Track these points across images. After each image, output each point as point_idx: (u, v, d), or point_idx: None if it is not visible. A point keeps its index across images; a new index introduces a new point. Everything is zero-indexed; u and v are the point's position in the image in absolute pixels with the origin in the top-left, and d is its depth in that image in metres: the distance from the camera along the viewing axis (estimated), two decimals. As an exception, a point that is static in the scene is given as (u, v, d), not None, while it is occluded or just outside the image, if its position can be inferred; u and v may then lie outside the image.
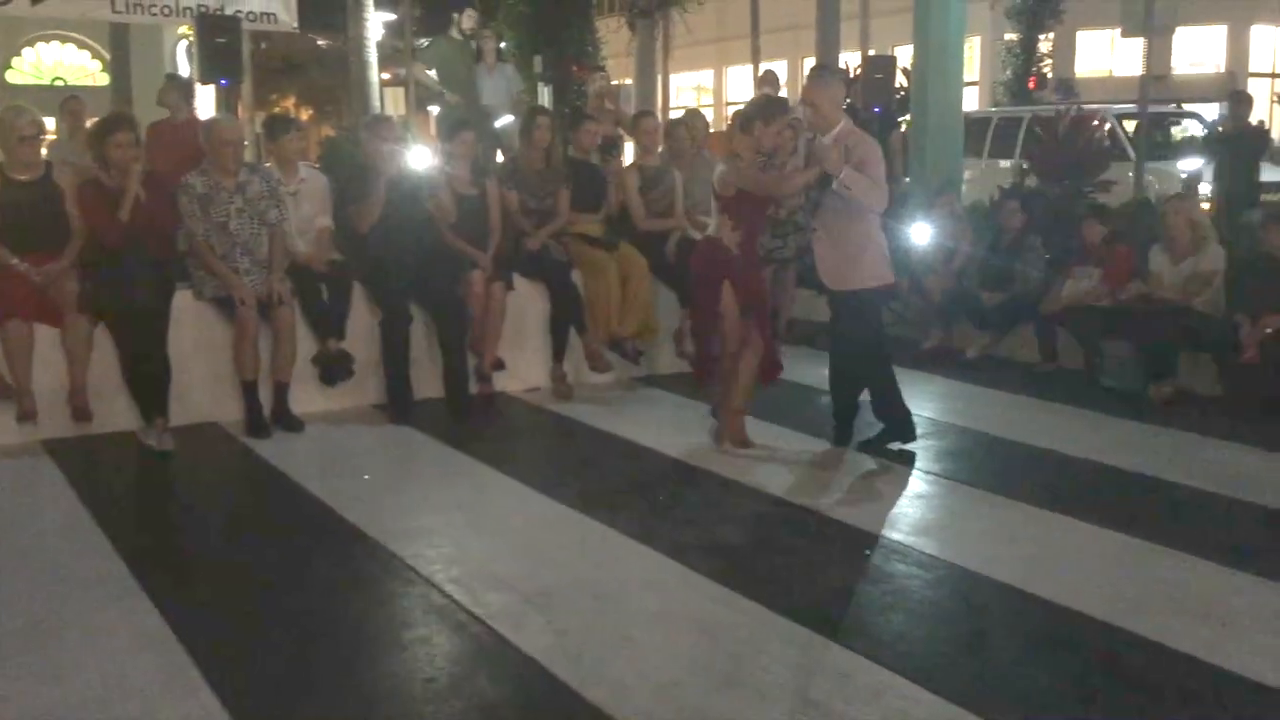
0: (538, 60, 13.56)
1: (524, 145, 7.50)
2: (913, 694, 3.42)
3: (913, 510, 5.16)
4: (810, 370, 7.78)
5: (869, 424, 6.05)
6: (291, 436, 6.21)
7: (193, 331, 6.29)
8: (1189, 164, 12.67)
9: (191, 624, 3.86)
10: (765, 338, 5.89)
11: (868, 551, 4.58)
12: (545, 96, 13.88)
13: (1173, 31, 12.78)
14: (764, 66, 16.54)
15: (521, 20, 14.87)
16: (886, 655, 3.65)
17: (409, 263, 6.68)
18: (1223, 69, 28.38)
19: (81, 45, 24.07)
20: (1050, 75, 14.83)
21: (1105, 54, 28.41)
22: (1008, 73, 13.05)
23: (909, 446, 5.89)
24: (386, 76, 21.15)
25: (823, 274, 5.81)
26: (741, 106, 6.42)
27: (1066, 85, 23.55)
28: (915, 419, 6.62)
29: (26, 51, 23.90)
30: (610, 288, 7.14)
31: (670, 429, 6.40)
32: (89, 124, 8.65)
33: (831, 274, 5.77)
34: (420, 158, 6.80)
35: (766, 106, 5.90)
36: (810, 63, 17.82)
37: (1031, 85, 13.08)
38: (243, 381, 6.26)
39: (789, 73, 28.07)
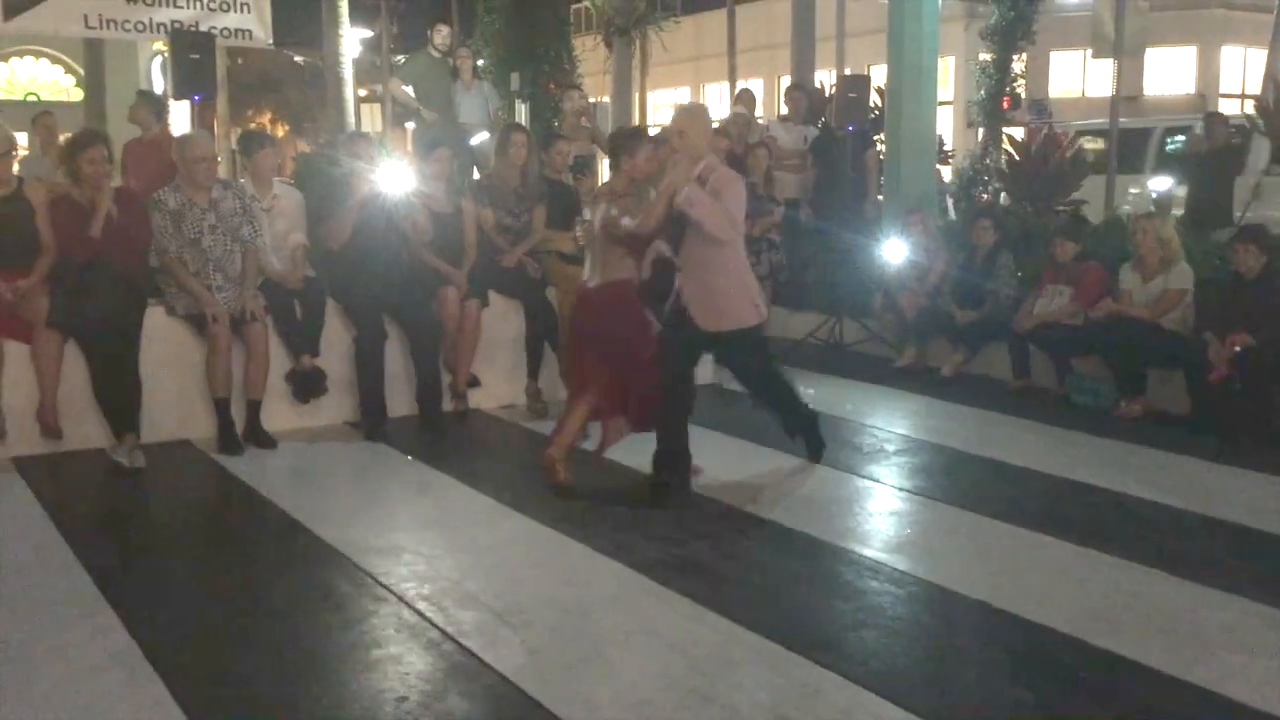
0: (514, 77, 13.56)
1: (500, 162, 7.51)
2: (883, 711, 3.43)
3: (885, 526, 5.18)
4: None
5: (842, 440, 6.05)
6: (264, 454, 6.18)
7: (164, 348, 6.25)
8: (1160, 183, 12.79)
9: (161, 643, 3.83)
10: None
11: (839, 568, 4.59)
12: (522, 114, 13.90)
13: (1143, 53, 12.91)
14: (740, 84, 16.64)
15: (498, 38, 14.87)
16: (858, 672, 3.66)
17: (383, 280, 6.67)
18: (1193, 91, 28.77)
19: (55, 60, 23.95)
20: (1024, 95, 14.93)
21: (1077, 75, 28.75)
22: (981, 93, 13.11)
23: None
24: (363, 93, 21.20)
25: (693, 314, 5.43)
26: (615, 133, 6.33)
27: (1040, 106, 23.82)
28: (888, 435, 6.68)
29: (0, 67, 23.75)
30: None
31: (641, 445, 6.39)
32: (61, 140, 8.60)
33: (699, 313, 5.43)
34: (394, 175, 6.79)
35: (628, 139, 5.69)
36: (786, 81, 17.94)
37: (1005, 105, 13.14)
38: (215, 398, 6.23)
39: (765, 91, 28.26)
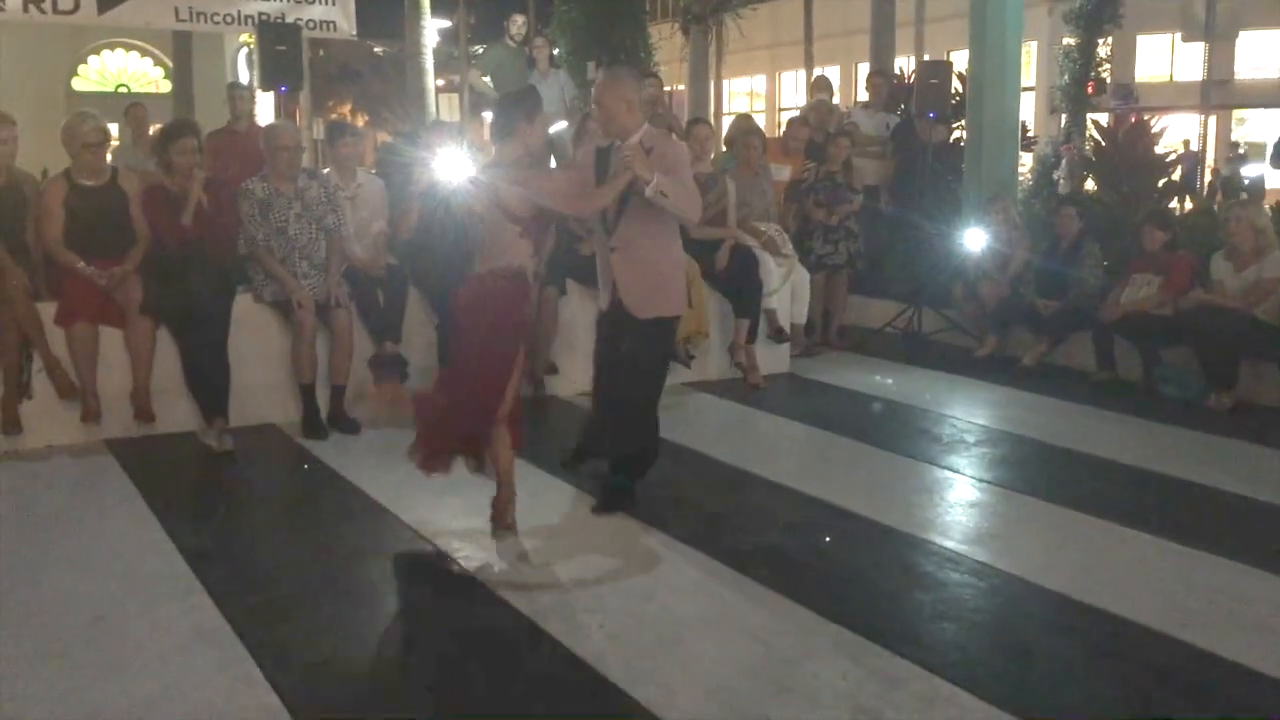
0: (590, 66, 13.61)
1: (578, 149, 7.54)
2: (965, 702, 3.41)
3: (965, 518, 5.12)
4: (858, 377, 7.78)
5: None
6: (347, 438, 6.29)
7: (252, 334, 6.39)
8: (1252, 170, 12.45)
9: (250, 622, 3.93)
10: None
11: (919, 559, 4.56)
12: (598, 102, 13.93)
13: (1235, 36, 12.58)
14: (817, 72, 16.51)
15: (574, 27, 14.93)
16: (938, 663, 3.63)
17: (460, 266, 6.72)
18: (1288, 74, 27.88)
19: (144, 53, 24.54)
20: (1109, 80, 14.62)
21: (1165, 59, 28.04)
22: (1065, 78, 12.86)
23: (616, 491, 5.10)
24: (441, 83, 21.41)
25: (626, 299, 4.91)
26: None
27: (1126, 91, 23.28)
28: (968, 426, 6.59)
29: (92, 59, 24.39)
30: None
31: (721, 434, 6.41)
32: (152, 131, 8.83)
33: (636, 299, 4.91)
34: (463, 163, 6.85)
35: (528, 102, 4.74)
36: (865, 68, 17.75)
37: (1090, 91, 12.88)
38: (300, 383, 6.35)
39: (842, 78, 28.00)
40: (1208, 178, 19.55)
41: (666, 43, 19.28)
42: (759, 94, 35.92)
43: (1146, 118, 12.01)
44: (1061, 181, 10.92)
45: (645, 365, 5.03)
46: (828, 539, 4.82)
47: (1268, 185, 13.59)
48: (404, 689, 3.53)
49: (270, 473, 5.93)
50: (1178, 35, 23.61)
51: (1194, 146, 21.39)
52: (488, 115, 11.62)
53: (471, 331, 4.50)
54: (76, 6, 9.38)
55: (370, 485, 5.44)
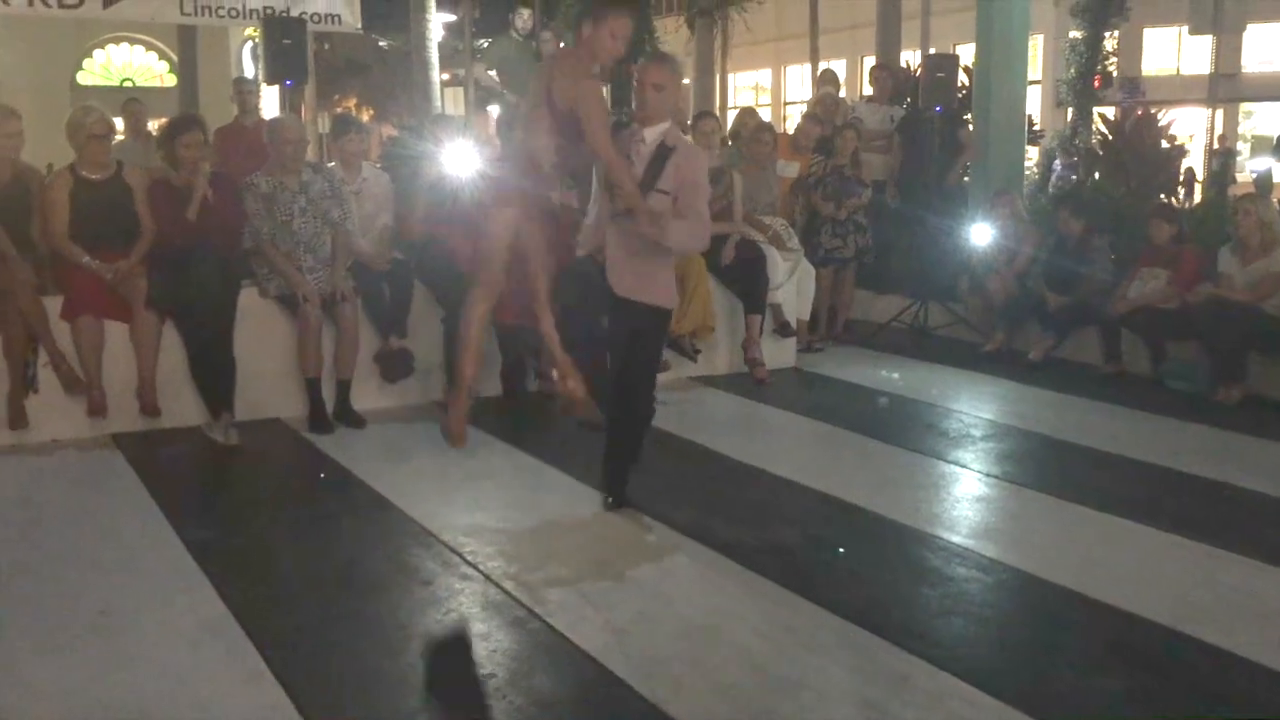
0: (595, 60, 13.59)
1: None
2: (973, 698, 3.39)
3: (972, 513, 5.11)
4: (865, 371, 7.77)
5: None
6: (353, 432, 6.28)
7: (257, 328, 6.38)
8: (1259, 164, 12.41)
9: (256, 616, 3.92)
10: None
11: (926, 554, 4.55)
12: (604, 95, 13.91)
13: (1243, 29, 12.52)
14: (823, 65, 16.47)
15: (579, 20, 14.92)
16: (946, 659, 3.62)
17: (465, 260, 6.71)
18: (1294, 67, 27.79)
19: (149, 47, 24.54)
20: (1115, 74, 14.57)
21: (1172, 52, 27.95)
22: (1071, 71, 12.82)
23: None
24: (446, 77, 21.37)
25: (609, 272, 4.75)
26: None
27: (1132, 84, 23.20)
28: (975, 420, 6.58)
29: (97, 54, 24.40)
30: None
31: (727, 428, 6.40)
32: (151, 126, 8.83)
33: (615, 275, 4.73)
34: (467, 156, 6.83)
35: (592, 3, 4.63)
36: (870, 62, 17.71)
37: (1096, 84, 12.83)
38: (306, 378, 6.35)
39: (848, 72, 27.94)
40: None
41: (672, 36, 19.27)
42: (764, 88, 35.86)
43: (1153, 111, 11.98)
44: (1054, 182, 10.89)
45: (645, 361, 4.91)
46: (832, 533, 4.81)
47: (1276, 179, 13.54)
48: (409, 683, 3.52)
49: (276, 467, 5.93)
50: (1185, 28, 23.55)
51: (1200, 140, 21.38)
52: (493, 109, 11.63)
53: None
54: (82, 0, 9.38)
55: (375, 480, 5.43)
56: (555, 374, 4.93)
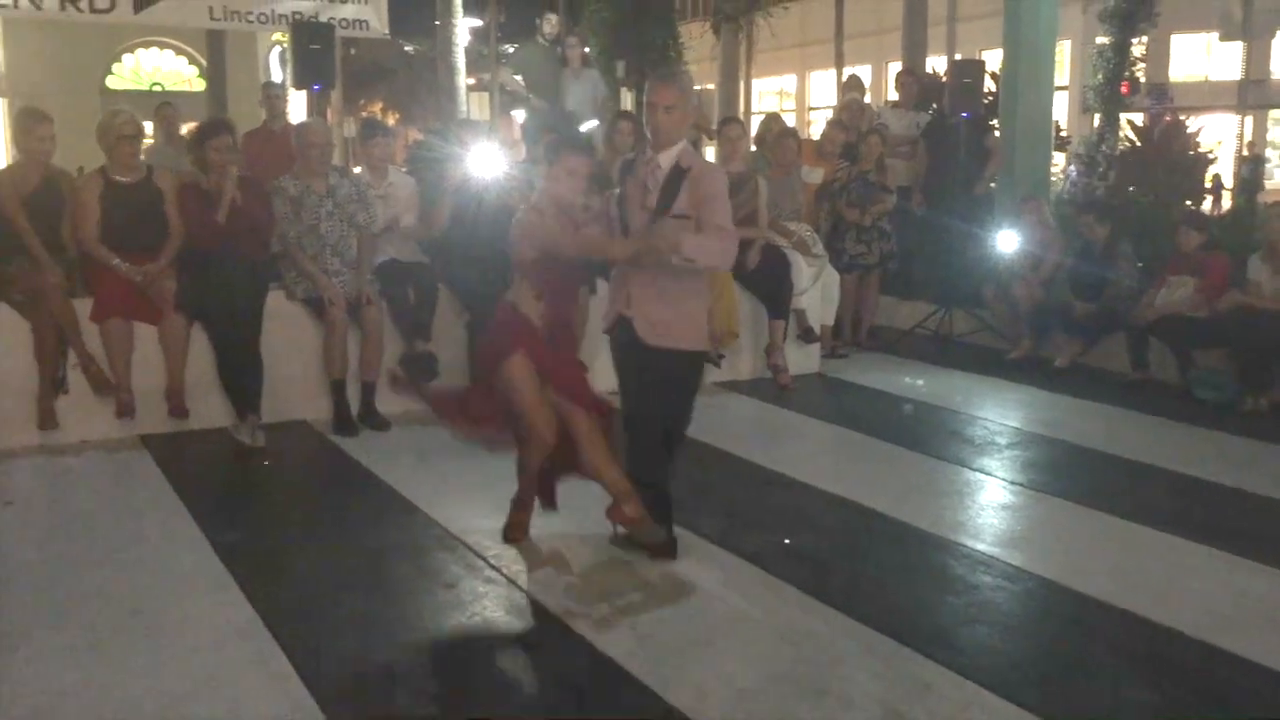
0: (620, 65, 13.62)
1: (607, 150, 7.55)
2: (999, 708, 3.38)
3: (998, 521, 5.09)
4: (889, 378, 7.75)
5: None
6: (377, 435, 6.31)
7: (284, 331, 6.42)
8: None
9: (283, 618, 3.95)
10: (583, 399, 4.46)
11: (950, 562, 4.53)
12: (628, 102, 13.95)
13: (1273, 35, 12.44)
14: (848, 71, 16.45)
15: (604, 26, 14.96)
16: (971, 668, 3.61)
17: (492, 264, 6.74)
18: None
19: (179, 51, 24.71)
20: (1143, 80, 14.51)
21: (1201, 58, 27.74)
22: (1099, 77, 12.76)
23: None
24: (471, 81, 21.48)
25: (635, 321, 4.37)
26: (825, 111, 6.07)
27: (1160, 91, 23.07)
28: (1000, 427, 6.53)
29: (126, 58, 24.59)
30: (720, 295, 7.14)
31: (751, 434, 6.39)
32: (187, 129, 8.90)
33: (643, 324, 4.36)
34: (493, 160, 6.86)
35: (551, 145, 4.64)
36: (895, 67, 17.69)
37: (1124, 90, 12.77)
38: (331, 380, 6.39)
39: (873, 77, 27.88)
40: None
41: (697, 42, 19.30)
42: (788, 93, 35.82)
43: (1182, 118, 11.91)
44: (1067, 188, 10.84)
45: (680, 406, 4.53)
46: (856, 540, 4.79)
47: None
48: (434, 686, 3.54)
49: (302, 469, 5.96)
50: (1214, 34, 23.42)
51: (1229, 147, 21.22)
52: (517, 114, 11.68)
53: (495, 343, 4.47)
54: (112, 5, 9.47)
55: (399, 482, 5.46)
56: (616, 512, 4.41)
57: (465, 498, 5.26)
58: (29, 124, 6.09)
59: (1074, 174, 12.37)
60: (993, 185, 9.97)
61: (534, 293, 4.37)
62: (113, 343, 5.98)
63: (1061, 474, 5.74)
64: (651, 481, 4.45)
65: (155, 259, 6.09)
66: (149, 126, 10.31)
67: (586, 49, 12.71)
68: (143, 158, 6.50)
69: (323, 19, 9.71)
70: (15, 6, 9.36)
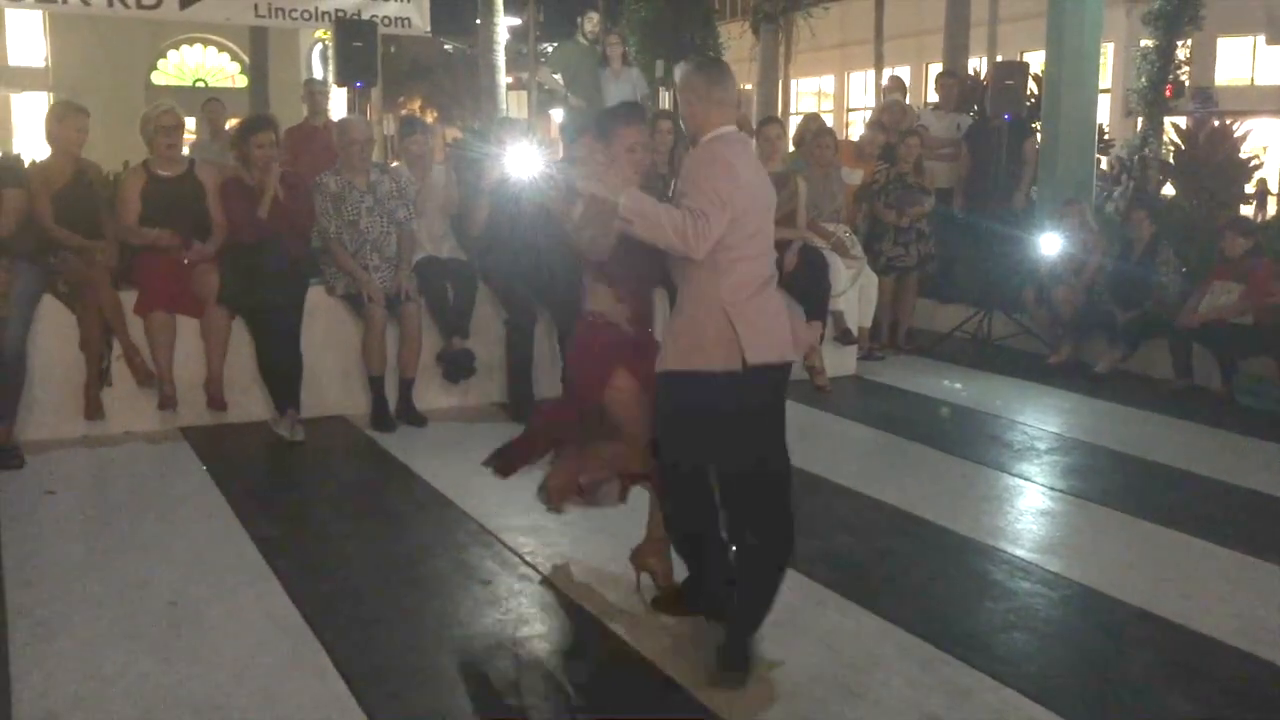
0: (659, 65, 13.60)
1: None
2: (1037, 715, 3.35)
3: (1037, 527, 5.04)
4: (927, 381, 7.70)
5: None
6: (415, 431, 6.35)
7: (324, 326, 6.47)
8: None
9: (322, 612, 3.98)
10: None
11: (989, 567, 4.49)
12: (666, 101, 13.94)
13: (1321, 38, 12.24)
14: (888, 73, 16.35)
15: (643, 25, 14.96)
16: (1009, 674, 3.58)
17: (531, 262, 6.76)
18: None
19: (222, 48, 25.00)
20: (1188, 83, 14.35)
21: (1247, 62, 27.38)
22: (1142, 80, 12.62)
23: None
24: (510, 80, 21.58)
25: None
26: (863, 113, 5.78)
27: (1205, 94, 22.79)
28: (1040, 433, 6.48)
29: (171, 54, 24.89)
30: None
31: (787, 435, 6.35)
32: (229, 125, 8.97)
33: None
34: (531, 159, 6.86)
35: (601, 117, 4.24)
36: (935, 68, 17.57)
37: (1168, 94, 12.62)
38: (370, 376, 6.43)
39: (913, 79, 27.71)
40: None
41: (737, 42, 19.25)
42: (827, 94, 35.66)
43: (1228, 122, 11.75)
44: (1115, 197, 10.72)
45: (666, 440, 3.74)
46: (894, 544, 4.76)
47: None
48: (469, 681, 3.55)
49: (340, 464, 6.00)
50: (1261, 38, 23.10)
51: (1276, 152, 20.92)
52: (556, 113, 11.71)
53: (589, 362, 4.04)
54: (159, 2, 9.57)
55: (436, 478, 5.48)
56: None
57: (502, 494, 5.23)
58: (63, 114, 6.12)
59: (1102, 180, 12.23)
60: (1033, 192, 9.88)
61: (613, 294, 3.97)
62: (156, 335, 6.04)
63: (1101, 480, 5.68)
64: (686, 530, 3.79)
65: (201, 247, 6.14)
66: (192, 123, 10.41)
67: (626, 48, 12.71)
68: (187, 153, 6.56)
69: (365, 16, 9.77)
70: (64, 2, 9.48)
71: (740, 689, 3.45)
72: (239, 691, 3.44)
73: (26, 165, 7.02)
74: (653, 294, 4.20)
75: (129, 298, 6.05)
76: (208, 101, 9.97)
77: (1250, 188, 13.75)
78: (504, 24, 16.58)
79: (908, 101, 11.70)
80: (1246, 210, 13.25)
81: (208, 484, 5.39)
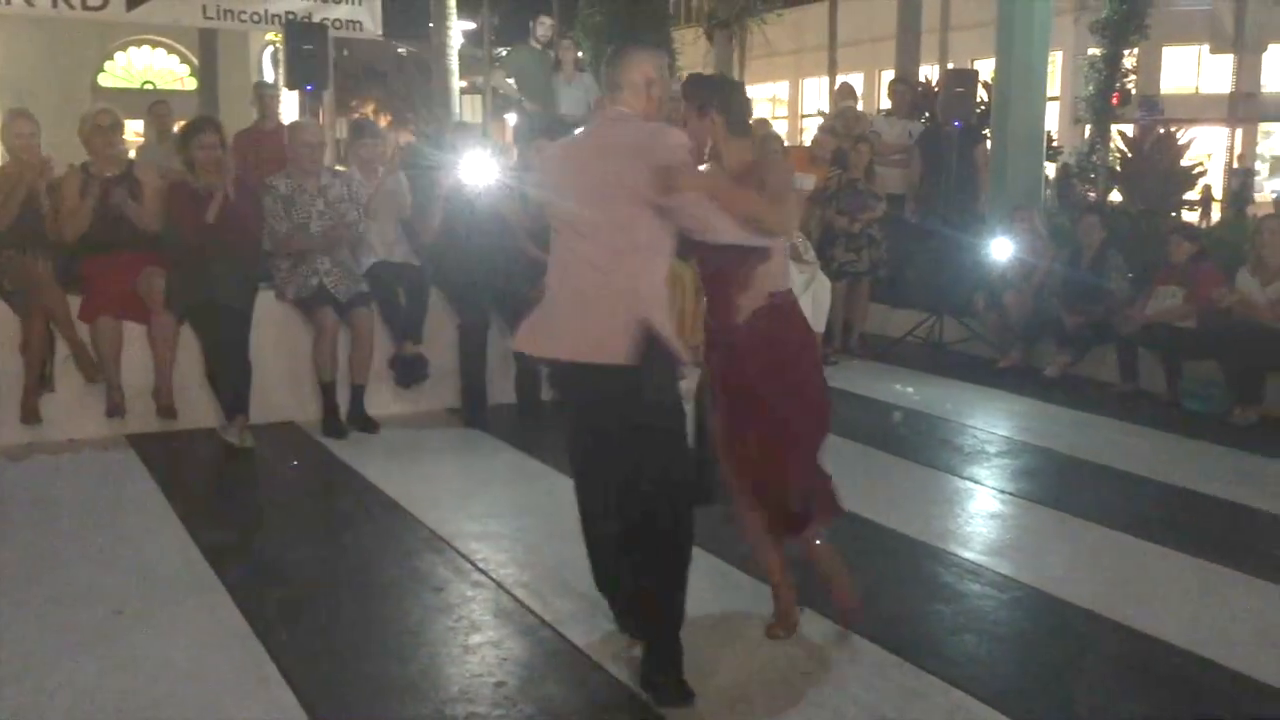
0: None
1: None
2: (987, 717, 3.37)
3: (987, 529, 5.08)
4: (879, 386, 7.75)
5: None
6: (366, 437, 6.29)
7: (273, 332, 6.40)
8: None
9: (269, 620, 3.93)
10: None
11: (939, 570, 4.52)
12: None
13: (1264, 49, 12.51)
14: (841, 79, 16.47)
15: (596, 30, 14.95)
16: (960, 677, 3.60)
17: (484, 267, 6.73)
18: (1314, 87, 27.66)
19: (170, 50, 24.65)
20: (1134, 91, 14.59)
21: (1191, 70, 27.87)
22: (1090, 88, 12.82)
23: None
24: (464, 84, 21.47)
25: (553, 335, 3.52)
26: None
27: (1151, 102, 23.18)
28: (990, 436, 6.54)
29: (118, 56, 24.52)
30: (685, 297, 7.13)
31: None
32: (176, 128, 8.86)
33: (561, 334, 3.47)
34: (485, 165, 6.84)
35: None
36: (888, 75, 17.73)
37: (1114, 101, 12.83)
38: (320, 382, 6.36)
39: (866, 85, 27.95)
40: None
41: (691, 47, 19.30)
42: (781, 100, 35.88)
43: (1172, 130, 11.95)
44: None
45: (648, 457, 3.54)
46: (845, 548, 4.77)
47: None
48: (419, 689, 3.52)
49: (289, 471, 5.92)
50: (1205, 47, 23.52)
51: (1219, 159, 21.35)
52: (510, 117, 11.67)
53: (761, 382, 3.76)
54: (105, 3, 9.41)
55: (388, 485, 5.43)
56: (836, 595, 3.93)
57: (454, 500, 5.24)
58: (8, 121, 6.07)
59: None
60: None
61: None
62: (102, 341, 5.94)
63: (1051, 483, 5.74)
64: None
65: (138, 256, 6.04)
66: (140, 125, 10.26)
67: (580, 53, 12.70)
68: (133, 155, 6.47)
69: (316, 19, 9.67)
70: (7, 4, 9.31)
71: (682, 704, 3.35)
72: (184, 701, 3.38)
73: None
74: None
75: (73, 304, 5.95)
76: (154, 104, 9.83)
77: (1194, 194, 14.00)
78: (458, 28, 16.50)
79: (860, 108, 11.80)
80: (1191, 216, 13.50)
81: (154, 492, 5.31)
